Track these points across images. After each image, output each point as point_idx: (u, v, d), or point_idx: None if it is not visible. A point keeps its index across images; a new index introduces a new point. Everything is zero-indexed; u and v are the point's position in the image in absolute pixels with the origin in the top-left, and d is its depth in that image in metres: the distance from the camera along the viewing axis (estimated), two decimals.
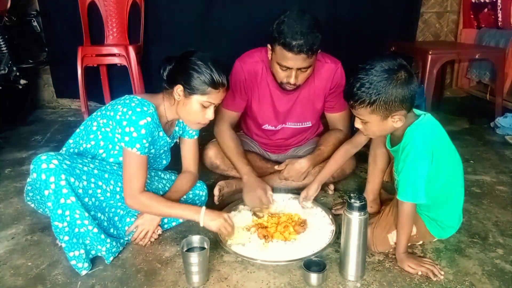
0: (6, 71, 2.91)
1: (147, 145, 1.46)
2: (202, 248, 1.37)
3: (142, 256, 1.50)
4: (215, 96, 1.49)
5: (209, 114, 1.52)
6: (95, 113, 1.59)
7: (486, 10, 3.33)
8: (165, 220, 1.65)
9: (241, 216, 1.71)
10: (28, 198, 1.61)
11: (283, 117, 1.98)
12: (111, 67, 3.43)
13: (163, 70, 1.52)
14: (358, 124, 1.41)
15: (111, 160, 1.56)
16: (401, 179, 1.35)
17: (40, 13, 3.33)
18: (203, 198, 1.83)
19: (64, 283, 1.37)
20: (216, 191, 1.84)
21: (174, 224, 1.69)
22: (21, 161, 2.46)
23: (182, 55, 1.50)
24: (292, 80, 1.71)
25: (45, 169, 1.32)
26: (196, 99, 1.48)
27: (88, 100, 3.25)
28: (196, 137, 1.75)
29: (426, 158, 1.31)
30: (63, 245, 1.38)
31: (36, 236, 1.65)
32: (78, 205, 1.36)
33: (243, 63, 1.90)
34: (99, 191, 1.47)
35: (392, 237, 1.47)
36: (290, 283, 1.35)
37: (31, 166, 1.36)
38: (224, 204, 1.83)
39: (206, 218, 1.50)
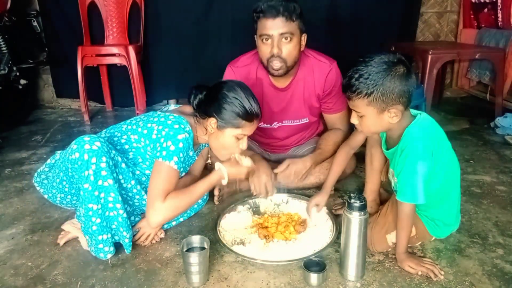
0: (6, 71, 2.92)
1: (182, 159, 1.45)
2: (202, 248, 1.37)
3: (142, 256, 1.50)
4: (250, 129, 1.49)
5: (243, 145, 1.52)
6: (125, 126, 1.57)
7: (486, 10, 3.33)
8: None
9: (241, 217, 1.71)
10: (38, 180, 1.61)
11: (279, 116, 1.99)
12: (111, 67, 3.44)
13: (194, 99, 1.51)
14: (354, 119, 1.40)
15: (137, 172, 1.57)
16: (400, 179, 1.35)
17: (40, 13, 3.34)
18: (204, 197, 1.83)
19: (64, 283, 1.37)
20: (216, 191, 1.84)
21: (174, 224, 1.69)
22: (21, 161, 2.46)
23: (214, 86, 1.49)
24: (275, 50, 1.71)
25: (88, 149, 1.34)
26: (230, 132, 1.47)
27: (88, 100, 3.27)
28: None
29: (426, 158, 1.30)
30: (94, 227, 1.39)
31: (36, 236, 1.65)
32: (114, 188, 1.38)
33: (234, 67, 1.92)
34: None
35: (390, 237, 1.47)
36: (290, 283, 1.35)
37: (74, 146, 1.37)
38: (224, 204, 1.83)
39: (229, 171, 1.52)
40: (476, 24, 3.48)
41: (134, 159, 1.55)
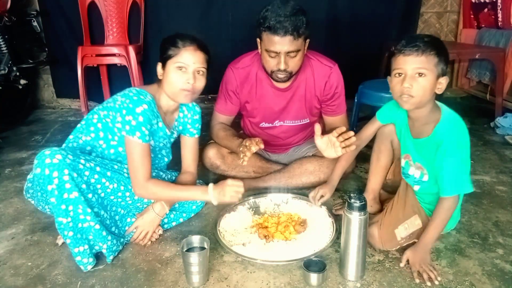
0: (6, 71, 2.92)
1: (147, 132, 1.48)
2: (202, 248, 1.37)
3: (142, 256, 1.50)
4: (186, 55, 1.51)
5: (189, 78, 1.53)
6: (96, 108, 1.61)
7: (486, 10, 3.33)
8: (165, 220, 1.65)
9: (241, 216, 1.71)
10: (28, 195, 1.61)
11: (279, 116, 1.98)
12: (111, 67, 3.44)
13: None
14: (409, 80, 1.33)
15: (112, 151, 1.57)
16: (446, 174, 1.35)
17: (40, 13, 3.33)
18: None
19: (64, 283, 1.37)
20: None
21: (174, 224, 1.69)
22: (21, 161, 2.46)
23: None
24: (282, 66, 1.70)
25: (48, 164, 1.32)
26: (171, 65, 1.52)
27: (88, 100, 3.26)
28: (197, 135, 1.75)
29: (468, 148, 1.36)
30: (68, 241, 1.38)
31: (36, 236, 1.65)
32: (81, 200, 1.37)
33: (234, 69, 1.92)
34: (99, 186, 1.46)
35: (399, 232, 1.48)
36: (290, 283, 1.35)
37: (35, 161, 1.36)
38: (223, 204, 1.83)
39: (216, 194, 1.54)
40: (476, 24, 3.48)
41: (105, 140, 1.57)
